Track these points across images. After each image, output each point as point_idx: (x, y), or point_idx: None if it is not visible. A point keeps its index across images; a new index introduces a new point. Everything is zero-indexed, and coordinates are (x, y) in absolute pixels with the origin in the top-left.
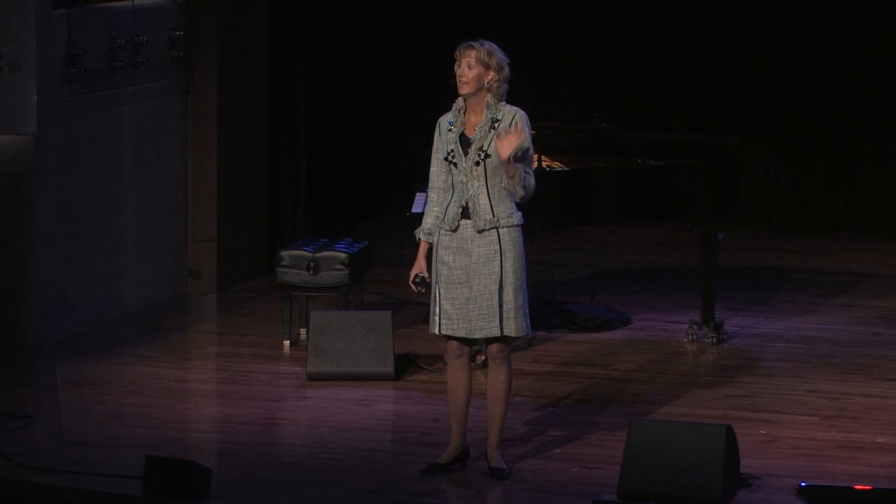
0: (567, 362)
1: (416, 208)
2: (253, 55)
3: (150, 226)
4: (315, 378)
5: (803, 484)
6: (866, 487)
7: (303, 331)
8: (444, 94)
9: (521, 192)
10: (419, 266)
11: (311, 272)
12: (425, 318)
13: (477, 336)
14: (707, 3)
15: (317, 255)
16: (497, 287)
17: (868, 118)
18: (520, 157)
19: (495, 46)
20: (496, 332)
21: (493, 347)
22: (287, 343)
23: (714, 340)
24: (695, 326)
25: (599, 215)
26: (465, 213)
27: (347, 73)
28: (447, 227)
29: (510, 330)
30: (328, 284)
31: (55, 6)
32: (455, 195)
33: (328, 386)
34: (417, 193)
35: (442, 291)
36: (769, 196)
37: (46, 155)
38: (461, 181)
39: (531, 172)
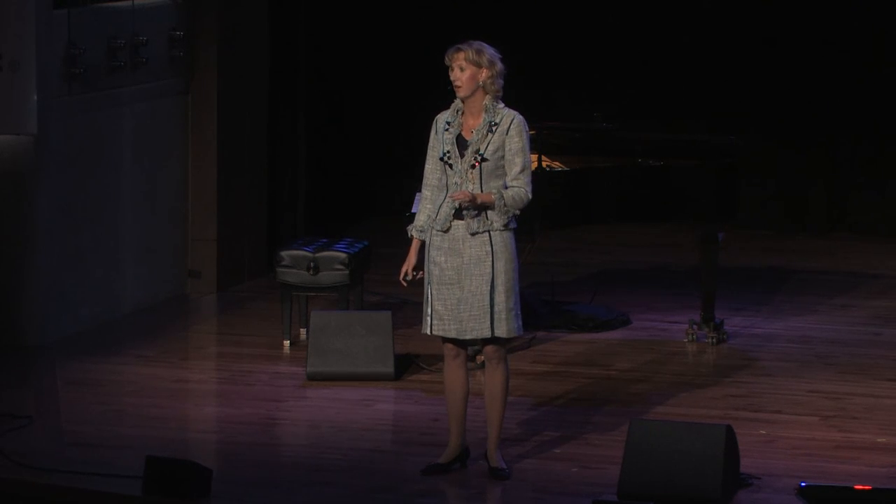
0: (567, 362)
1: (415, 208)
2: (253, 55)
3: (150, 226)
4: (315, 378)
5: (803, 484)
6: (866, 487)
7: (303, 331)
8: (444, 94)
9: (504, 219)
10: (410, 262)
11: (311, 272)
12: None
13: (468, 337)
14: (708, 4)
15: (317, 255)
16: (489, 288)
17: (868, 118)
18: (517, 162)
19: (484, 44)
20: (487, 334)
21: (489, 349)
22: (287, 343)
23: (714, 340)
24: (695, 326)
25: (599, 215)
26: (458, 214)
27: (347, 72)
28: (439, 228)
29: (501, 331)
30: (328, 284)
31: (55, 6)
32: (447, 196)
33: (328, 386)
34: (417, 193)
35: (434, 292)
36: (769, 196)
37: (46, 155)
38: (455, 183)
39: (528, 181)
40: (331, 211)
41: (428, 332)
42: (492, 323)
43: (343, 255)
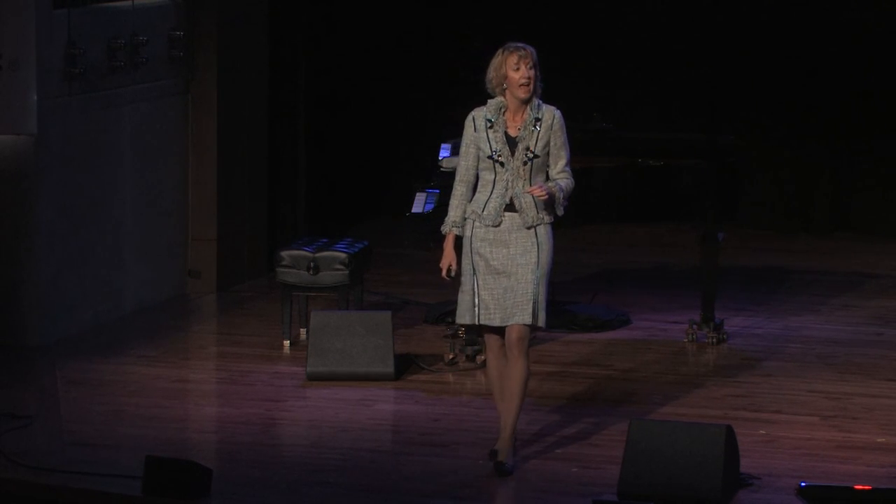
0: (567, 362)
1: (415, 208)
2: (253, 55)
3: (150, 226)
4: (315, 378)
5: (803, 484)
6: (866, 487)
7: (303, 331)
8: (444, 93)
9: (559, 212)
10: (450, 257)
11: (311, 272)
12: (425, 318)
13: (511, 323)
14: (708, 3)
15: (317, 255)
16: (534, 277)
17: (869, 118)
18: (562, 155)
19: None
20: (529, 320)
21: (514, 339)
22: (287, 343)
23: (714, 340)
24: (694, 326)
25: (599, 215)
26: (510, 207)
27: (347, 72)
28: (489, 223)
29: (541, 320)
30: (328, 284)
31: (55, 6)
32: (496, 192)
33: (328, 386)
34: (417, 193)
35: (480, 282)
36: (770, 196)
37: (46, 155)
38: (506, 179)
39: (570, 173)
40: (331, 211)
41: (475, 321)
42: (534, 311)
43: (343, 255)
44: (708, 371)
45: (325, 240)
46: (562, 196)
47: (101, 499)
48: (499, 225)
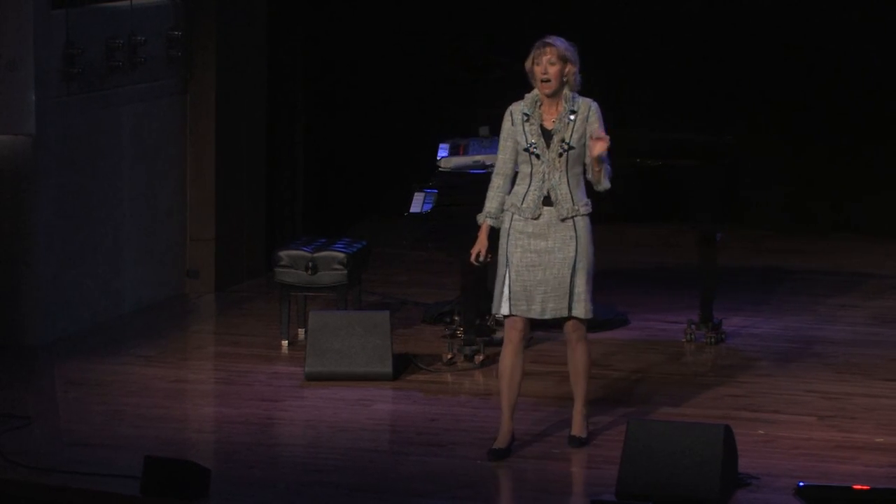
0: (566, 362)
1: (414, 208)
2: (252, 55)
3: (149, 225)
4: (313, 378)
5: (802, 484)
6: (865, 487)
7: (301, 331)
8: (444, 94)
9: (606, 184)
10: (482, 244)
11: (310, 272)
12: (424, 318)
13: (547, 317)
14: (707, 3)
15: (315, 255)
16: (570, 271)
17: (869, 118)
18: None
19: (562, 39)
20: (565, 313)
21: (571, 327)
22: (285, 343)
23: (712, 340)
24: (693, 327)
25: (599, 215)
26: (547, 200)
27: (346, 72)
28: (528, 215)
29: (580, 312)
30: (327, 284)
31: (54, 6)
32: (533, 184)
33: (327, 386)
34: (416, 193)
35: (513, 275)
36: (769, 196)
37: (45, 155)
38: (542, 171)
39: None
40: (329, 211)
41: (507, 312)
42: (570, 303)
43: (341, 255)
44: (707, 371)
45: (323, 240)
46: (606, 173)
47: (101, 499)
48: (538, 218)
